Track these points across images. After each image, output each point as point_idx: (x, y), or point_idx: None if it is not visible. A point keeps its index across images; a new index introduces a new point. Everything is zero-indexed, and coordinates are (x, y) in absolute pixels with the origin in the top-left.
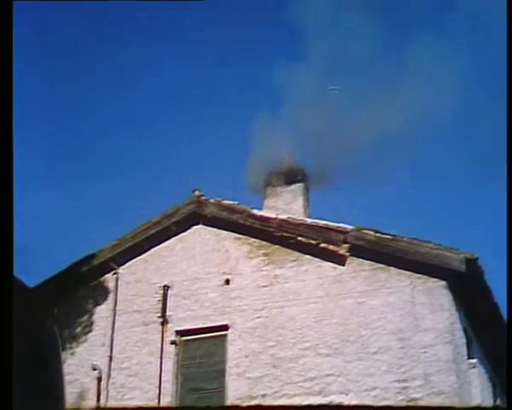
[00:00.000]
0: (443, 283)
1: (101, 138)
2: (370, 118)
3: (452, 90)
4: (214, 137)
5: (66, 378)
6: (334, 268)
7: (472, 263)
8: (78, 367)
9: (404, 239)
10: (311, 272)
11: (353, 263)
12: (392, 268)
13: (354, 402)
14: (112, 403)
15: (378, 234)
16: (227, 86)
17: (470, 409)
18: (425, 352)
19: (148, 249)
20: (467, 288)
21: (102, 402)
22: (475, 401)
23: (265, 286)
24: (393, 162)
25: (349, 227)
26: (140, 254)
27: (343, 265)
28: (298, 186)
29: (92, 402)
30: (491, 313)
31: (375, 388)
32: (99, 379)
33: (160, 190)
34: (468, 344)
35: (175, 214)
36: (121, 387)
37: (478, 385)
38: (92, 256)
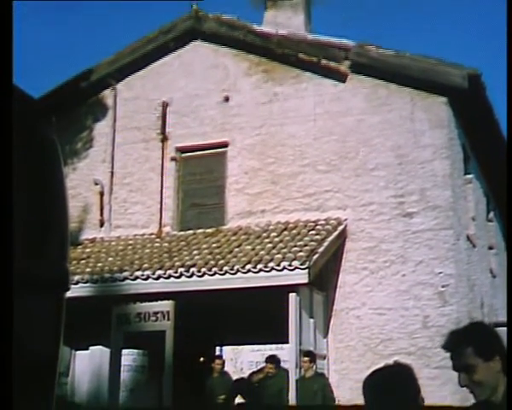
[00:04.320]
0: (443, 99)
1: None
2: None
3: None
4: None
5: (70, 193)
6: (335, 85)
7: (474, 79)
8: (80, 182)
9: (407, 55)
10: (311, 89)
11: (354, 80)
12: (392, 85)
13: (351, 217)
14: (115, 217)
15: (380, 50)
16: None
17: (470, 409)
18: (422, 167)
19: (146, 66)
20: (468, 105)
21: (106, 216)
22: (469, 215)
23: (265, 103)
24: None
25: (351, 43)
26: (137, 71)
27: (343, 82)
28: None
29: (96, 216)
30: (491, 130)
31: (371, 203)
32: (101, 194)
33: (157, 5)
34: (466, 160)
35: (172, 30)
36: (123, 202)
37: (472, 200)
38: (90, 72)
